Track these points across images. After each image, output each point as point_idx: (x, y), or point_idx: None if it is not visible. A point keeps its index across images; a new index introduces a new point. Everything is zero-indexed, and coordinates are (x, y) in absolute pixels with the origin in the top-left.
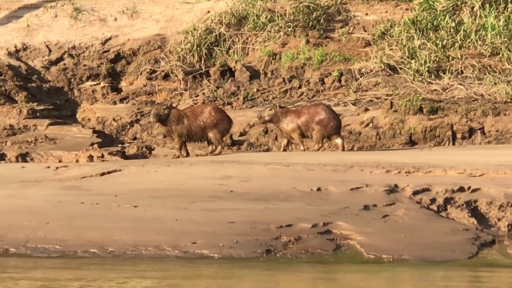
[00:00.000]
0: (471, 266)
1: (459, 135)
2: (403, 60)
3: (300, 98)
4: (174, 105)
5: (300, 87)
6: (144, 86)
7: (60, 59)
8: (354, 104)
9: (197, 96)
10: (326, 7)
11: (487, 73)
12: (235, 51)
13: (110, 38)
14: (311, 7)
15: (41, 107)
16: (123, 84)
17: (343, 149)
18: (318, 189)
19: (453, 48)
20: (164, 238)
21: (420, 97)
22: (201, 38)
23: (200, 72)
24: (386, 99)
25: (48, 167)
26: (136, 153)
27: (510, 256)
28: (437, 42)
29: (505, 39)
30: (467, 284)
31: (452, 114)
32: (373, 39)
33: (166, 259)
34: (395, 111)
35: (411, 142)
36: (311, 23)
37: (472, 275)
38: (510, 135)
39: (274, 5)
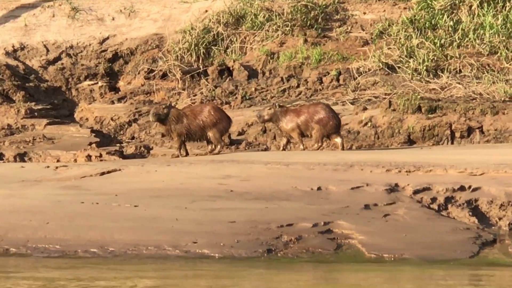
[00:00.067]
0: (472, 265)
1: (457, 134)
2: (401, 59)
3: (298, 98)
4: (172, 104)
5: (298, 86)
6: (142, 85)
7: (57, 59)
8: (352, 103)
9: (195, 95)
10: (324, 6)
11: (485, 72)
12: (233, 51)
13: (107, 38)
14: (309, 6)
15: (39, 107)
16: (121, 83)
17: (343, 148)
18: (319, 188)
19: (451, 47)
20: (165, 238)
21: (419, 96)
22: (199, 38)
23: (198, 71)
24: (385, 98)
25: (48, 166)
26: (134, 152)
27: None
28: (435, 41)
29: (503, 38)
30: (469, 283)
31: (451, 113)
32: (371, 38)
33: (167, 259)
34: (394, 110)
35: (410, 141)
36: (309, 22)
37: (473, 274)
38: (508, 134)
39: (272, 4)
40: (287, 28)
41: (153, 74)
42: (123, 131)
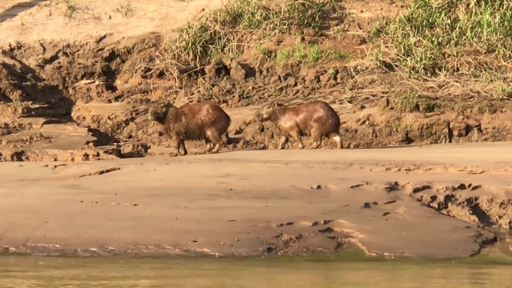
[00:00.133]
0: (473, 263)
1: (455, 133)
2: (399, 57)
3: (296, 96)
4: (170, 103)
5: (295, 84)
6: (139, 84)
7: (54, 58)
8: (350, 102)
9: (192, 94)
10: (321, 5)
11: (483, 70)
12: (230, 49)
13: (104, 36)
14: (306, 5)
15: (36, 106)
16: (118, 82)
17: (342, 147)
18: (318, 187)
19: (448, 45)
20: (165, 237)
21: (416, 95)
22: (196, 36)
23: (195, 70)
24: (382, 96)
25: (46, 165)
26: (132, 151)
27: None
28: (433, 39)
29: (501, 36)
30: (470, 282)
31: (449, 111)
32: (369, 36)
33: (167, 258)
34: (391, 108)
35: (408, 140)
36: (306, 20)
37: (474, 272)
38: (506, 132)
39: (269, 2)
40: (284, 27)
41: (150, 73)
42: (120, 130)
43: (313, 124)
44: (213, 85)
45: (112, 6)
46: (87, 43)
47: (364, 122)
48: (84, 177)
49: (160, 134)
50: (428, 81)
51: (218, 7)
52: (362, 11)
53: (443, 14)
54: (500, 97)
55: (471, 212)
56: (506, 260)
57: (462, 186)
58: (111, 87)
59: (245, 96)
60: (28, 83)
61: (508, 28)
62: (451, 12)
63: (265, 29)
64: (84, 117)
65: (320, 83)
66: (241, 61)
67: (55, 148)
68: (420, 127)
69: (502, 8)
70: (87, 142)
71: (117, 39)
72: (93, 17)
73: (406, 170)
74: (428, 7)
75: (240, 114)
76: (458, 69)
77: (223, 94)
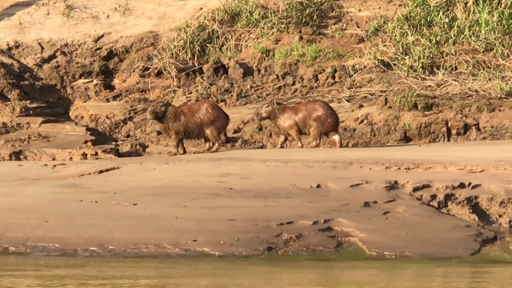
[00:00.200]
0: (473, 262)
1: (454, 131)
2: (397, 56)
3: (294, 95)
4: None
5: (293, 83)
6: (137, 83)
7: (52, 57)
8: (348, 101)
9: (191, 93)
10: (319, 4)
11: (481, 69)
12: (228, 48)
13: (102, 36)
14: (304, 4)
15: (34, 105)
16: (116, 81)
17: (341, 146)
18: (318, 186)
19: (447, 44)
20: (165, 236)
21: (415, 93)
22: (194, 35)
23: (193, 69)
24: (380, 95)
25: (46, 165)
26: (130, 150)
27: None
28: (431, 38)
29: (499, 34)
30: (470, 281)
31: (447, 110)
32: (367, 35)
33: (167, 257)
34: (390, 107)
35: (406, 139)
36: (304, 19)
37: (474, 271)
38: (505, 131)
39: (267, 1)
40: (282, 26)
41: (148, 72)
42: (118, 129)
43: (312, 123)
44: (211, 84)
45: (110, 5)
46: (85, 42)
47: (362, 121)
48: (84, 176)
49: (158, 133)
50: (426, 80)
51: (216, 6)
52: (360, 10)
53: (441, 13)
54: (499, 95)
55: (471, 211)
56: (507, 259)
57: (462, 185)
58: (109, 86)
59: (243, 95)
60: (26, 82)
61: (506, 26)
62: (449, 11)
63: (263, 28)
64: (82, 116)
65: (318, 82)
66: (239, 60)
67: (53, 148)
68: (418, 126)
69: (500, 6)
70: (85, 142)
71: (115, 38)
72: (91, 16)
73: (406, 169)
74: (426, 6)
75: (238, 113)
76: (456, 68)
77: (221, 93)
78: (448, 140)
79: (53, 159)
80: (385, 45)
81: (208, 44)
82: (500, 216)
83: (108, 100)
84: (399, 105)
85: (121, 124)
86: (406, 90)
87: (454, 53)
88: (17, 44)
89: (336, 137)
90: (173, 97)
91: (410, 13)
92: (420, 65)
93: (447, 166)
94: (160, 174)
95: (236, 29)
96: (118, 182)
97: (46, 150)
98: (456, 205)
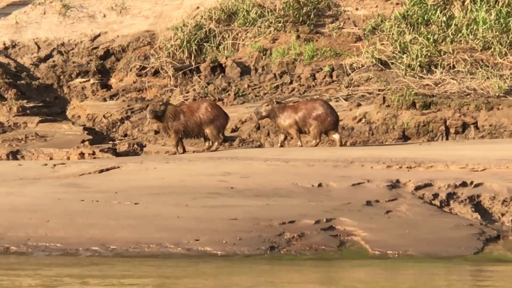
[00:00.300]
0: (477, 261)
1: (452, 130)
2: (395, 55)
3: (292, 94)
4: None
5: (291, 82)
6: (134, 82)
7: (49, 56)
8: (346, 100)
9: (188, 92)
10: (316, 2)
11: (479, 68)
12: (225, 47)
13: (99, 35)
14: (301, 2)
15: (31, 105)
16: (112, 80)
17: (341, 145)
18: (319, 185)
19: (444, 42)
20: (166, 236)
21: (413, 92)
22: (191, 34)
23: (190, 68)
24: (378, 94)
25: (46, 164)
26: (128, 150)
27: None
28: (429, 36)
29: (497, 33)
30: (473, 280)
31: (445, 108)
32: (364, 34)
33: (169, 257)
34: (388, 106)
35: (404, 137)
36: (301, 18)
37: (478, 270)
38: (503, 130)
39: (264, 0)
40: (280, 24)
41: (145, 71)
42: (116, 128)
43: (312, 122)
44: (208, 83)
45: (106, 4)
46: (81, 42)
47: (360, 120)
48: (84, 176)
49: (156, 132)
50: (424, 78)
51: (213, 5)
52: (357, 9)
53: (438, 11)
54: (497, 94)
55: (473, 209)
56: (510, 257)
57: (464, 184)
58: (106, 86)
59: (240, 94)
60: (23, 82)
61: (503, 25)
62: (446, 9)
63: (260, 27)
64: (79, 116)
65: (315, 81)
66: (236, 59)
67: (51, 147)
68: (416, 125)
69: (498, 5)
70: (83, 141)
71: (112, 38)
72: (87, 15)
73: (408, 167)
74: (424, 4)
75: (236, 112)
76: (454, 67)
77: (218, 92)
78: (447, 139)
79: (51, 158)
80: (383, 44)
81: (205, 43)
82: (502, 214)
83: (105, 100)
84: (397, 104)
85: (118, 123)
86: (404, 89)
87: (452, 52)
88: (13, 44)
89: (336, 136)
90: (170, 97)
91: (407, 11)
92: (418, 63)
93: (449, 165)
94: (161, 173)
95: (233, 28)
96: (118, 181)
97: (44, 150)
98: (459, 204)
